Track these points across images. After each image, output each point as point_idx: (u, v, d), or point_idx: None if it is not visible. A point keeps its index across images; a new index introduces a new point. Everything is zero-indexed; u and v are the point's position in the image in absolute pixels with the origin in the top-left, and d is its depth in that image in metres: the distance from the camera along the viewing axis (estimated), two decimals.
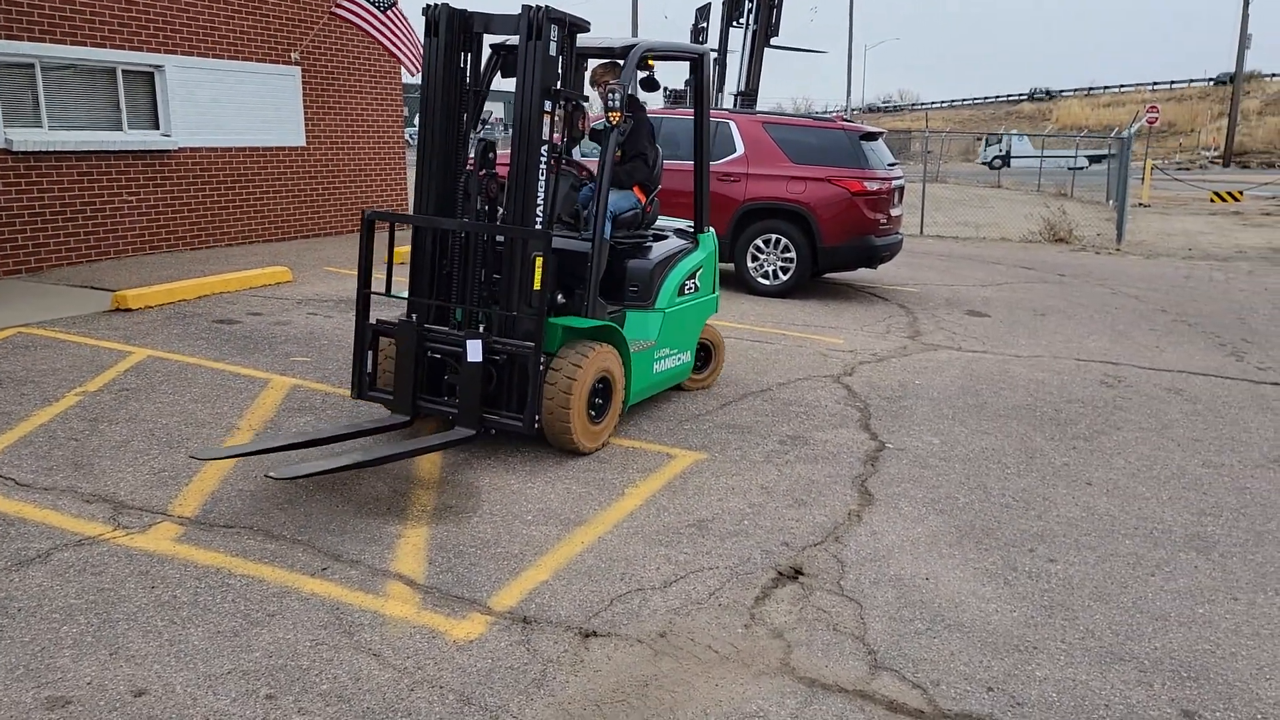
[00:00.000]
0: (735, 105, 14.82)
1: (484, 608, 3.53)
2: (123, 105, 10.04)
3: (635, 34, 33.25)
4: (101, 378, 6.10)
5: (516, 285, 4.80)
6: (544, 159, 4.75)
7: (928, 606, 3.68)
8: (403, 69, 11.84)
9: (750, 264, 10.28)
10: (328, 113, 12.66)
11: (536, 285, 4.70)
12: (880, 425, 5.88)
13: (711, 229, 6.32)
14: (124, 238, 10.12)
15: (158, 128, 10.46)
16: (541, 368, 4.74)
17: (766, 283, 10.23)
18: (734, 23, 15.63)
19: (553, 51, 4.69)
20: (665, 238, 6.01)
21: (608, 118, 5.01)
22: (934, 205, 20.14)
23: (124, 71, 9.99)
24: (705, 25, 15.85)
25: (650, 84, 5.69)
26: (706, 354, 6.42)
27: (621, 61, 5.46)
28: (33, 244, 9.24)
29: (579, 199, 5.81)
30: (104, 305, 7.99)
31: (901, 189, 10.83)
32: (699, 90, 6.00)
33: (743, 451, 5.32)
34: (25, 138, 9.03)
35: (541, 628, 3.41)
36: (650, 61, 5.55)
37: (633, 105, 5.68)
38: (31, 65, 9.12)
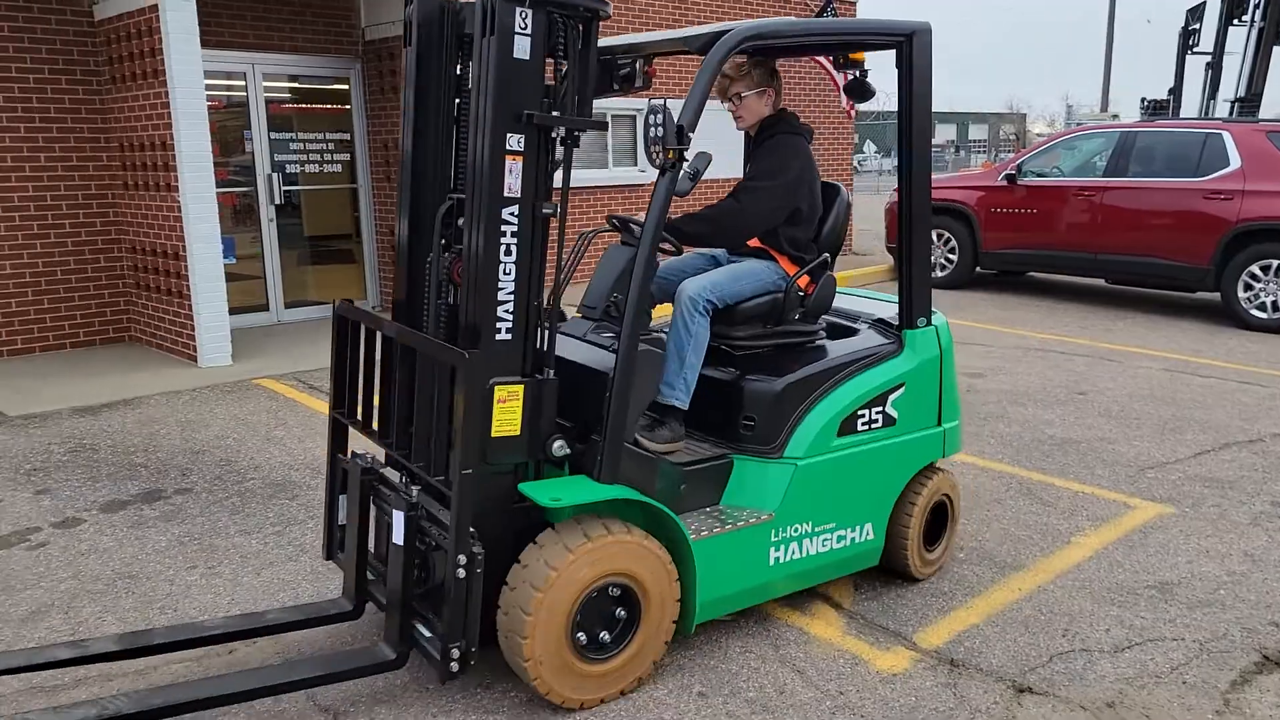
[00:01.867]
0: (1231, 113, 12.98)
1: (909, 642, 3.45)
2: (609, 146, 11.35)
3: (1109, 40, 29.72)
4: None
5: (443, 426, 2.97)
6: (508, 226, 2.94)
7: None
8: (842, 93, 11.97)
9: (1242, 294, 8.93)
10: None
11: (495, 429, 2.95)
12: None
13: (941, 318, 3.92)
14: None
15: (635, 164, 11.66)
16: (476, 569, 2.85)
17: (1263, 315, 8.81)
18: (1235, 20, 13.72)
19: (521, 53, 2.89)
20: (848, 333, 3.89)
21: (649, 154, 3.05)
22: None
23: (612, 116, 11.29)
24: (1198, 27, 14.11)
25: (860, 90, 3.83)
26: (939, 520, 3.95)
27: (745, 59, 3.76)
28: None
29: (657, 280, 3.79)
30: None
31: None
32: (906, 90, 3.64)
33: (1221, 510, 4.63)
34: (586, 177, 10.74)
35: (970, 673, 3.25)
36: (855, 56, 3.75)
37: (773, 125, 3.75)
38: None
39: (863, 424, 3.63)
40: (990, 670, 3.27)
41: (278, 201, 8.92)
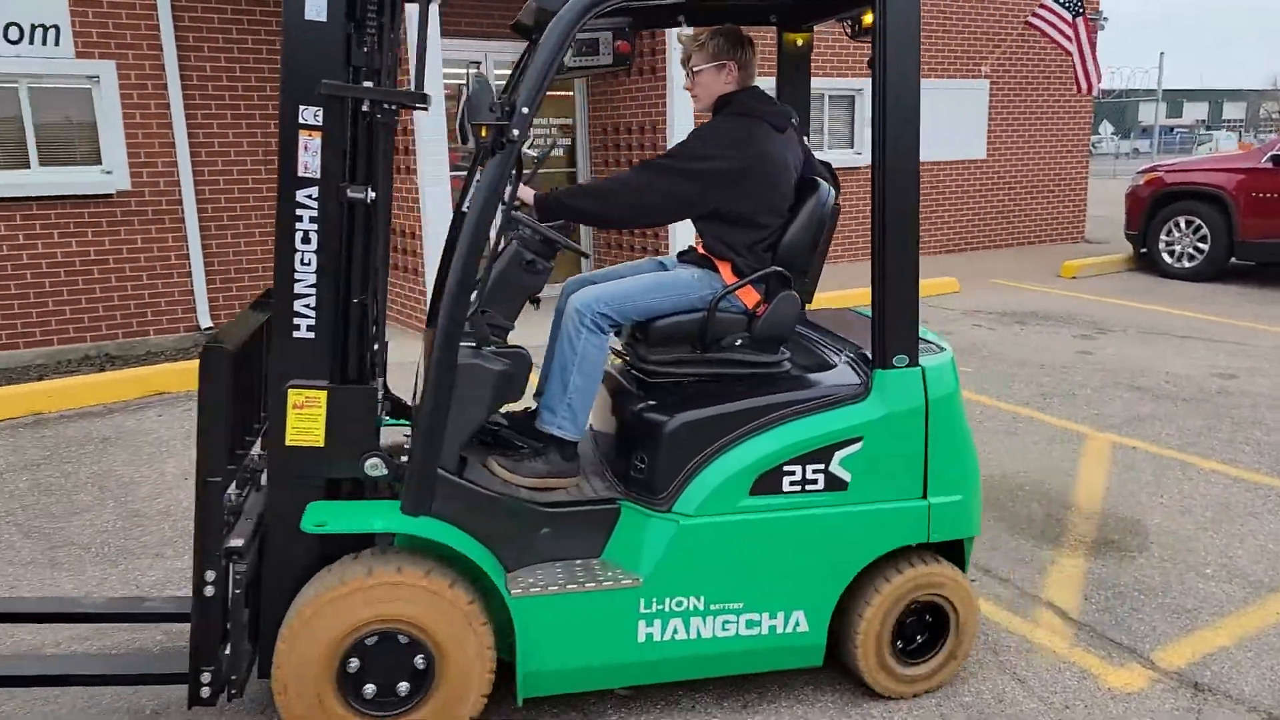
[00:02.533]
0: None
1: (1146, 660, 3.19)
2: (825, 128, 11.12)
3: None
4: None
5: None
6: (309, 209, 2.59)
7: None
8: (1075, 83, 11.16)
9: None
10: (1011, 125, 12.51)
11: (288, 436, 2.64)
12: None
13: (943, 356, 3.01)
14: None
15: (852, 146, 11.37)
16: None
17: None
18: None
19: (315, 13, 2.52)
20: (821, 369, 3.04)
21: (461, 131, 2.69)
22: None
23: (829, 97, 11.05)
24: None
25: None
26: (937, 626, 3.01)
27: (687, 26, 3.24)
28: None
29: (525, 274, 2.95)
30: None
31: None
32: (880, 59, 2.82)
33: None
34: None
35: (1218, 700, 2.97)
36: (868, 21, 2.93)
37: (729, 104, 3.06)
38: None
39: (792, 483, 2.80)
40: (1242, 699, 2.97)
41: None
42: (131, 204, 7.68)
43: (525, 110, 2.55)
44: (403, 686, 2.64)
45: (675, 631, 2.80)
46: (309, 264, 2.63)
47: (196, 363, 5.15)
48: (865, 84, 11.14)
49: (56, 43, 7.20)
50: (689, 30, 3.22)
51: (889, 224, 2.76)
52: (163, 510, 4.49)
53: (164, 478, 4.91)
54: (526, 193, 2.93)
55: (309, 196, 2.60)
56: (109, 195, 7.56)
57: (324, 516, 2.59)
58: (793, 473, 2.80)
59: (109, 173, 7.55)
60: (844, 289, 9.44)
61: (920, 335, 2.92)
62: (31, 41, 7.12)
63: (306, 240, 2.62)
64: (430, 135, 7.48)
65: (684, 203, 2.93)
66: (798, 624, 2.86)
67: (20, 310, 7.41)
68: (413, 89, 2.62)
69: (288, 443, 2.64)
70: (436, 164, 7.55)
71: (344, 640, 2.56)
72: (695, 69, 3.09)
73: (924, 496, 2.88)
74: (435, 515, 2.65)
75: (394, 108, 2.61)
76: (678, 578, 2.76)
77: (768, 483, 2.79)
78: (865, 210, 11.47)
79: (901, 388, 2.84)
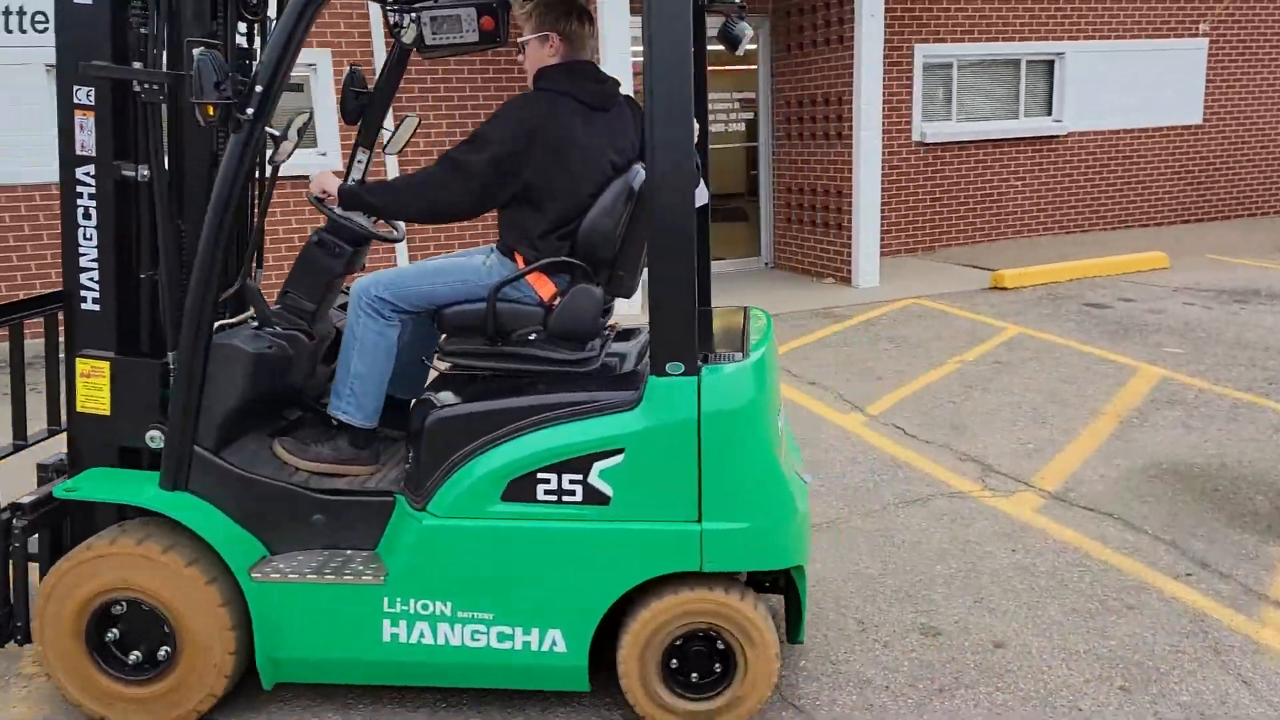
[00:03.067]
0: None
1: None
2: (1021, 95, 10.56)
3: None
4: (978, 349, 6.62)
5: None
6: (87, 186, 2.75)
7: None
8: None
9: None
10: (1232, 87, 11.49)
11: (80, 404, 2.83)
12: None
13: (730, 367, 2.59)
14: (1006, 221, 10.70)
15: (1050, 114, 10.75)
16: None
17: None
18: None
19: None
20: (583, 375, 2.81)
21: (194, 112, 2.57)
22: None
23: (1027, 62, 10.48)
24: None
25: (728, 37, 2.90)
26: (724, 658, 2.67)
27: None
28: (929, 226, 10.38)
29: (325, 256, 3.01)
30: (983, 284, 8.62)
31: None
32: (646, 36, 2.43)
33: None
34: (936, 130, 10.14)
35: None
36: None
37: (546, 78, 2.84)
38: (949, 64, 10.17)
39: (547, 492, 2.59)
40: None
41: None
42: None
43: (260, 89, 2.50)
44: (147, 654, 2.72)
45: (422, 635, 2.68)
46: (91, 239, 2.77)
47: None
48: (1068, 47, 10.50)
49: None
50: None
51: (657, 228, 2.44)
52: None
53: None
54: (331, 183, 2.89)
55: (86, 174, 2.73)
56: None
57: (82, 483, 2.72)
58: (547, 481, 2.59)
59: (324, 154, 8.09)
60: (1043, 263, 9.00)
61: (756, 341, 2.70)
62: None
63: (88, 216, 2.75)
64: (869, 98, 8.24)
65: (476, 196, 2.74)
66: (554, 643, 2.66)
67: None
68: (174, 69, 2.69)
69: (77, 409, 2.81)
70: (870, 129, 8.33)
71: (90, 603, 2.68)
72: (521, 40, 2.88)
73: (698, 520, 2.56)
74: (192, 492, 2.70)
75: (158, 88, 2.62)
76: (424, 579, 2.65)
77: (521, 489, 2.59)
78: (1068, 182, 10.84)
79: (671, 398, 2.52)
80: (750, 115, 9.78)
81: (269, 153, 2.74)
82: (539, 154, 2.69)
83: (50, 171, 3.23)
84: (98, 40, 2.67)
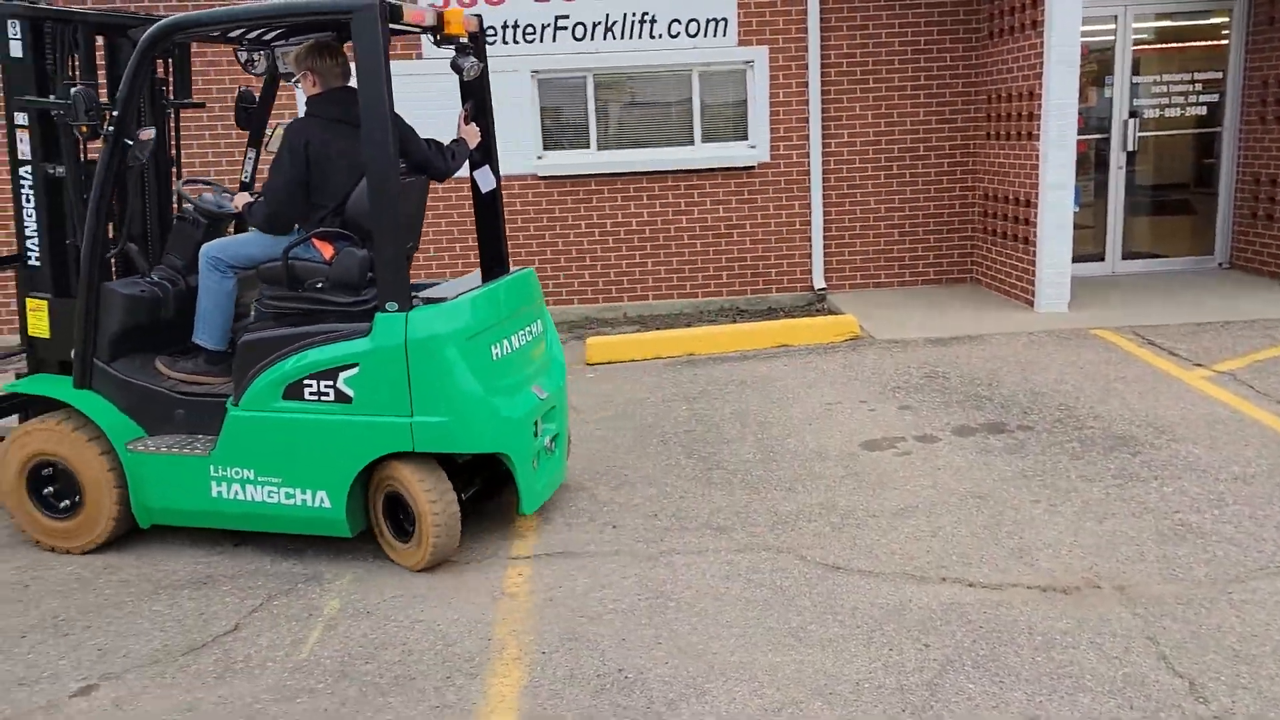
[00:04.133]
0: None
1: None
2: None
3: None
4: None
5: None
6: (25, 183, 4.27)
7: None
8: None
9: None
10: None
11: (30, 329, 4.36)
12: None
13: (433, 308, 3.76)
14: None
15: None
16: None
17: None
18: None
19: (14, 51, 4.13)
20: (350, 313, 3.84)
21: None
22: None
23: None
24: None
25: (455, 67, 4.10)
26: (411, 516, 3.81)
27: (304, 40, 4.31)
28: None
29: (195, 234, 4.45)
30: None
31: None
32: (367, 69, 3.58)
33: None
34: None
35: None
36: (450, 31, 3.92)
37: (310, 105, 4.08)
38: None
39: (310, 393, 3.79)
40: None
41: (1130, 148, 8.62)
42: (768, 175, 8.62)
43: (115, 113, 3.87)
44: (66, 500, 4.13)
45: (237, 493, 3.95)
46: (32, 216, 4.23)
47: (817, 320, 5.77)
48: None
49: (724, 34, 8.32)
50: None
51: (379, 198, 3.65)
52: (792, 450, 5.08)
53: (790, 420, 5.53)
54: (241, 199, 4.26)
55: (27, 172, 4.19)
56: (751, 168, 8.58)
57: (22, 383, 4.26)
58: (311, 385, 3.77)
59: (753, 147, 8.55)
60: None
61: (476, 292, 3.95)
62: (705, 34, 8.31)
63: (29, 200, 4.21)
64: (1059, 100, 7.22)
65: (295, 207, 4.00)
66: (322, 501, 3.85)
67: (677, 266, 8.80)
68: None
69: (29, 334, 4.29)
70: (1064, 129, 7.27)
71: (27, 463, 4.12)
72: (293, 78, 4.21)
73: (410, 415, 3.69)
74: (95, 390, 4.10)
75: (64, 113, 3.96)
76: (235, 454, 3.91)
77: (294, 391, 3.80)
78: None
79: (388, 328, 3.69)
80: (1214, 97, 8.72)
81: (251, 154, 4.73)
82: (309, 163, 3.91)
83: None
84: (28, 81, 4.12)
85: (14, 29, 4.09)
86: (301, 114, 4.19)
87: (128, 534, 4.23)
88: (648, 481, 4.75)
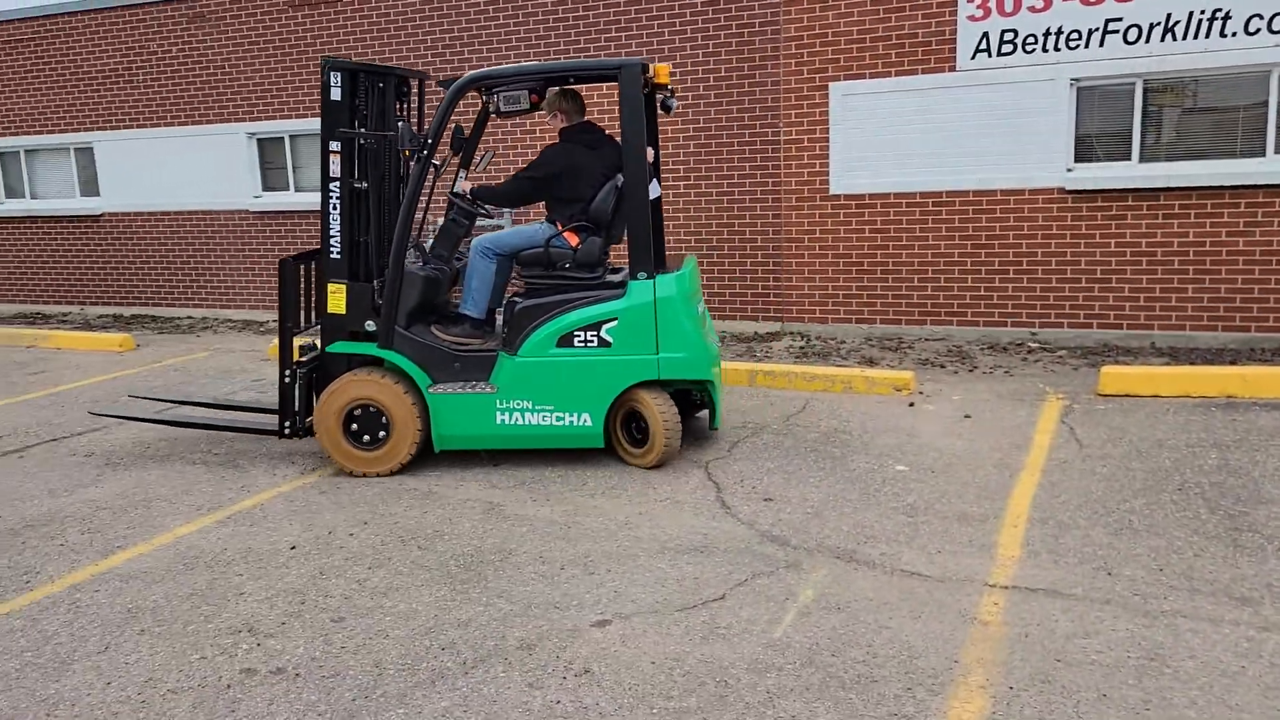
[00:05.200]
0: None
1: None
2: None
3: None
4: None
5: (319, 307, 5.74)
6: (332, 195, 5.43)
7: None
8: None
9: None
10: None
11: (330, 308, 5.53)
12: None
13: (667, 277, 5.37)
14: None
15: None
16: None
17: None
18: None
19: (334, 96, 5.36)
20: (596, 283, 5.42)
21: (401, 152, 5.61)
22: None
23: None
24: None
25: (665, 106, 5.62)
26: (644, 427, 5.44)
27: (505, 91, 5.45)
28: None
29: (459, 231, 5.72)
30: None
31: None
32: (631, 111, 5.19)
33: None
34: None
35: None
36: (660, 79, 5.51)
37: (563, 133, 5.63)
38: None
39: (579, 341, 5.31)
40: None
41: None
42: None
43: (430, 140, 5.28)
44: (376, 434, 5.42)
45: (517, 419, 5.37)
46: (336, 221, 5.44)
47: None
48: None
49: None
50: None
51: (630, 208, 5.27)
52: None
53: None
54: (465, 185, 5.61)
55: (336, 186, 5.41)
56: None
57: (339, 347, 5.50)
58: (580, 335, 5.31)
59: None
60: None
61: (679, 268, 5.57)
62: None
63: (336, 208, 5.42)
64: None
65: (534, 191, 5.59)
66: (585, 420, 5.37)
67: (1226, 294, 7.71)
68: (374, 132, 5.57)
69: (328, 311, 5.50)
70: None
71: (345, 406, 5.41)
72: (544, 115, 5.79)
73: (656, 352, 5.29)
74: (395, 350, 5.41)
75: (372, 141, 5.50)
76: (516, 390, 5.33)
77: (566, 340, 5.31)
78: None
79: (640, 292, 5.28)
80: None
81: (463, 173, 5.85)
82: (565, 174, 5.45)
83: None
84: (344, 117, 5.38)
85: (335, 78, 5.33)
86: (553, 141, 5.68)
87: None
88: (1154, 531, 4.31)
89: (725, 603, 3.84)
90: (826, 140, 8.84)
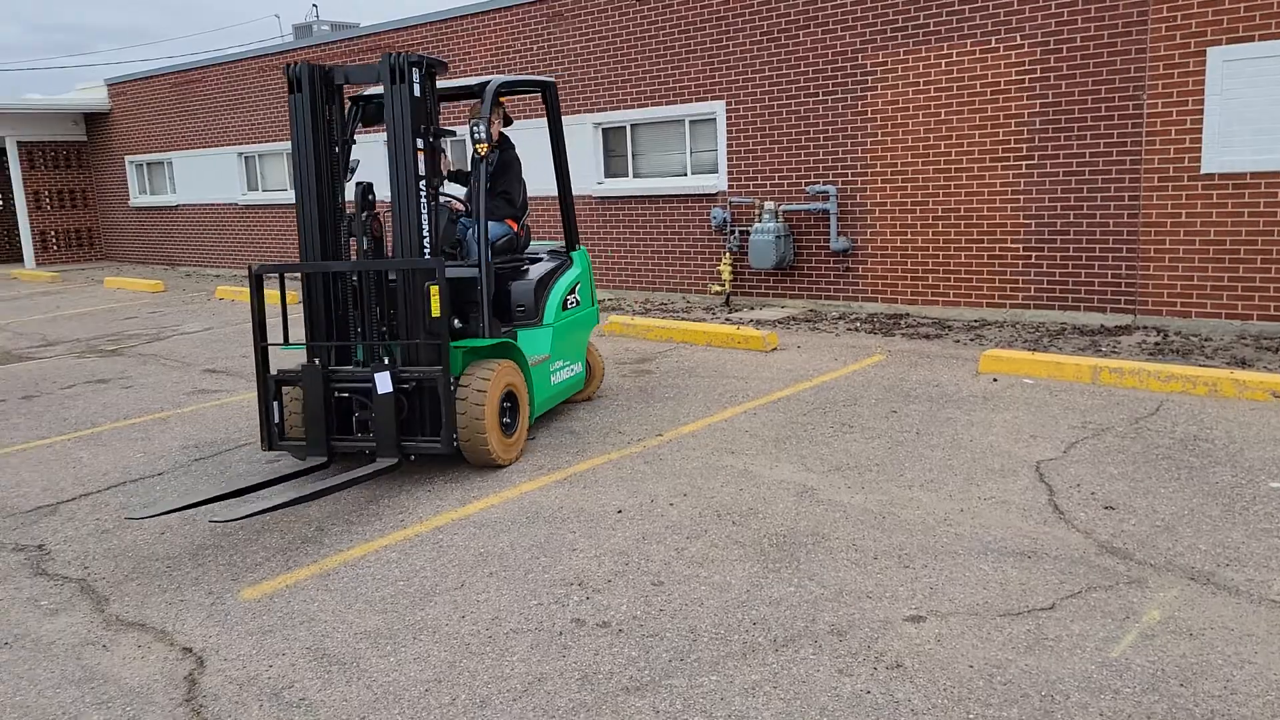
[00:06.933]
0: None
1: None
2: None
3: None
4: None
5: (414, 315, 5.25)
6: (423, 193, 5.25)
7: None
8: None
9: None
10: None
11: (435, 312, 5.15)
12: None
13: (583, 246, 7.72)
14: None
15: None
16: (452, 389, 5.21)
17: None
18: None
19: (417, 93, 5.18)
20: (540, 259, 6.60)
21: (476, 149, 5.53)
22: None
23: None
24: None
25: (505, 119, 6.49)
26: (589, 365, 6.96)
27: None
28: None
29: (457, 231, 6.07)
30: None
31: None
32: (553, 117, 6.80)
33: None
34: None
35: None
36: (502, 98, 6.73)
37: (503, 142, 6.45)
38: None
39: (571, 304, 6.62)
40: None
41: None
42: None
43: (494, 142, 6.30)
44: (507, 418, 5.62)
45: (559, 377, 6.44)
46: (427, 218, 5.31)
47: None
48: None
49: None
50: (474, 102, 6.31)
51: (566, 197, 6.94)
52: None
53: None
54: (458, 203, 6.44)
55: (422, 185, 5.28)
56: None
57: (473, 343, 5.45)
58: (570, 300, 6.64)
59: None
60: None
61: (579, 250, 6.94)
62: None
63: (425, 207, 5.30)
64: None
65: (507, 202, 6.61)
66: (578, 369, 6.73)
67: None
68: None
69: (434, 314, 5.18)
70: None
71: (499, 399, 5.46)
72: (492, 120, 6.21)
73: (592, 304, 6.96)
74: (494, 337, 5.76)
75: (439, 139, 5.42)
76: (557, 351, 6.41)
77: (565, 305, 6.57)
78: None
79: (581, 258, 6.88)
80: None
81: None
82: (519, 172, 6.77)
83: None
84: (426, 115, 5.28)
85: (415, 74, 5.17)
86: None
87: None
88: None
89: (1054, 613, 3.59)
90: (1200, 113, 7.89)
